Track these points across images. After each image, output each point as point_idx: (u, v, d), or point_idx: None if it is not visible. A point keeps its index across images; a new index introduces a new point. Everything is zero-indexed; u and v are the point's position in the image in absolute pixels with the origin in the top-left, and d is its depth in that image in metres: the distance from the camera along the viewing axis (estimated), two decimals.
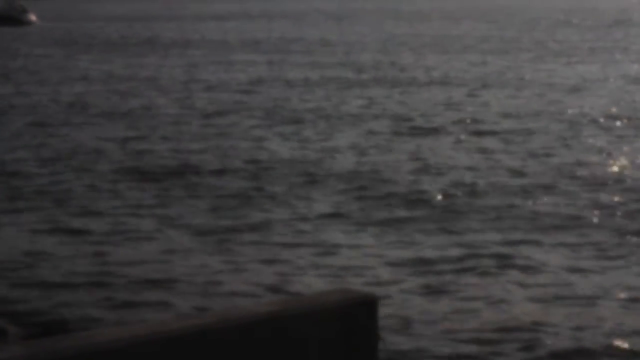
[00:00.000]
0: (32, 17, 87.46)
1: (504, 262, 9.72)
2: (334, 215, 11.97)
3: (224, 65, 36.05)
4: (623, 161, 15.55)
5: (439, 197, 12.76)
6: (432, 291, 8.85)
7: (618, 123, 19.89)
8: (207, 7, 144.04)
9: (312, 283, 9.15)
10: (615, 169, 14.88)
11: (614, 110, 21.91)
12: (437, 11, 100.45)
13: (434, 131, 18.82)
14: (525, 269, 9.53)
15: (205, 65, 36.83)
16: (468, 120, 19.98)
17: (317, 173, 14.76)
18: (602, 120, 20.24)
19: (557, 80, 29.19)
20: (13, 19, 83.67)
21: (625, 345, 7.74)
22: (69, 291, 9.00)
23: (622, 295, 8.77)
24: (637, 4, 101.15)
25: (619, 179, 14.14)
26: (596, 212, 11.96)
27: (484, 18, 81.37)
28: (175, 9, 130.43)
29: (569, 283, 9.12)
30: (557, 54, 40.70)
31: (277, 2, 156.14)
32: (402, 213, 11.94)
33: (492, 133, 18.32)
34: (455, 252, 10.10)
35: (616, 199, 12.77)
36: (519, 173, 14.45)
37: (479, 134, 18.26)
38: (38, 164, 15.45)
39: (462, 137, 17.89)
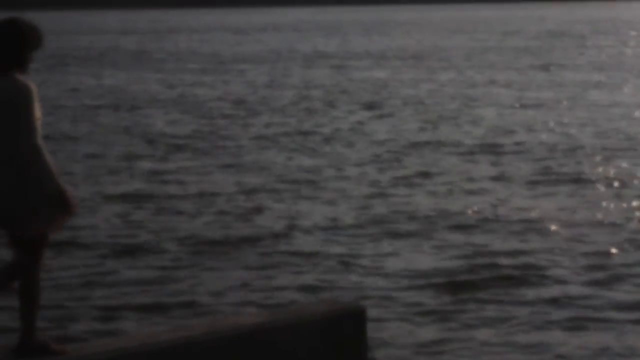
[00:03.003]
0: None
1: (508, 279, 9.79)
2: (332, 228, 12.18)
3: (217, 80, 36.21)
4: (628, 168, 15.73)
5: (438, 212, 12.96)
6: (431, 309, 8.98)
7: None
8: (198, 19, 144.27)
9: (304, 295, 9.34)
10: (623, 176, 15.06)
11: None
12: (423, 23, 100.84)
13: (432, 145, 19.04)
14: (534, 288, 9.54)
15: (199, 79, 37.05)
16: (468, 135, 20.16)
17: (318, 185, 15.00)
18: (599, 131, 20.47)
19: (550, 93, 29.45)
20: None
21: None
22: (65, 307, 9.19)
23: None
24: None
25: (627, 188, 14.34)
26: (607, 223, 12.17)
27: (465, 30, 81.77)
28: (163, 21, 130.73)
29: (582, 304, 9.10)
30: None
31: (268, 13, 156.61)
32: (402, 226, 12.14)
33: (496, 147, 18.53)
34: (457, 267, 10.24)
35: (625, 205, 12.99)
36: (520, 186, 14.63)
37: (484, 148, 18.46)
38: None
39: (463, 151, 18.09)
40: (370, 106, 26.17)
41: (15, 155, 5.79)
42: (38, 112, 5.85)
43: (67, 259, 10.90)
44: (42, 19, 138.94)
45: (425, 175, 15.64)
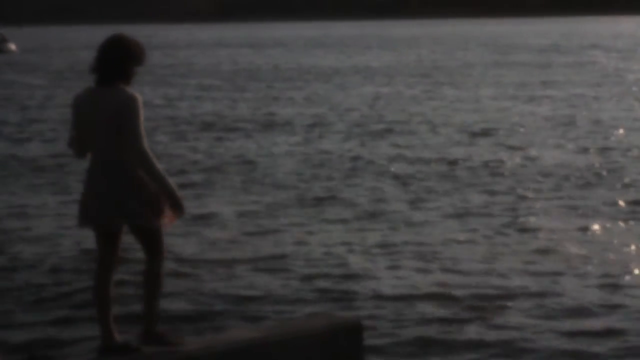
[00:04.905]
0: (12, 47, 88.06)
1: (511, 299, 9.84)
2: (331, 243, 12.31)
3: (219, 98, 36.25)
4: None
5: (443, 230, 13.04)
6: (429, 326, 9.06)
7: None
8: (195, 34, 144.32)
9: (301, 310, 9.46)
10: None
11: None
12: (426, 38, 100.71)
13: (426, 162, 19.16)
14: (533, 308, 9.56)
15: (203, 95, 37.15)
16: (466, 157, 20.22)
17: (322, 202, 15.15)
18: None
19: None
20: None
21: None
22: (60, 317, 9.33)
23: None
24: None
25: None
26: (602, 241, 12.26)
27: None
28: (159, 36, 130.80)
29: (583, 324, 9.09)
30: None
31: (264, 29, 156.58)
32: (403, 243, 12.24)
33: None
34: (457, 285, 10.32)
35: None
36: (528, 204, 14.67)
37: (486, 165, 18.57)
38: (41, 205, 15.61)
39: (469, 167, 18.19)
40: (378, 123, 26.22)
41: (122, 161, 6.37)
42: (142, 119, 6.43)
43: (66, 270, 11.07)
44: (41, 34, 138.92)
45: (433, 192, 15.73)
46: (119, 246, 6.67)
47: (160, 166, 6.49)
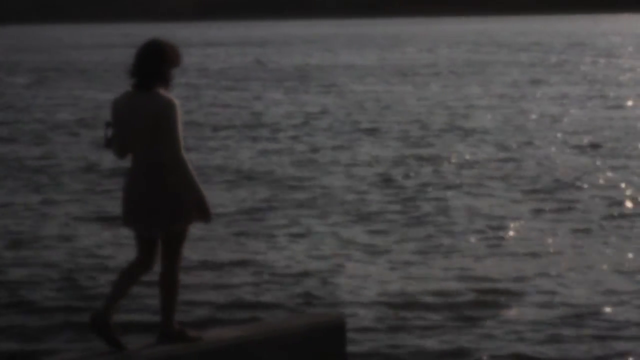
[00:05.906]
0: None
1: (496, 301, 9.86)
2: (315, 243, 12.37)
3: (207, 96, 36.19)
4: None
5: (429, 231, 13.09)
6: (412, 324, 9.11)
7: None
8: (174, 33, 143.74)
9: (285, 309, 9.51)
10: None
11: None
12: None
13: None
14: (520, 309, 9.54)
15: (189, 96, 37.16)
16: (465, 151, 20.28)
17: (313, 197, 15.20)
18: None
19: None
20: None
21: None
22: (35, 325, 9.35)
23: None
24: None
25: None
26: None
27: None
28: (142, 35, 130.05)
29: (576, 323, 9.16)
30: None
31: (258, 28, 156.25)
32: (389, 245, 12.29)
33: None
34: (442, 286, 10.36)
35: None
36: (513, 205, 14.73)
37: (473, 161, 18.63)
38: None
39: (457, 168, 18.25)
40: (365, 121, 26.21)
41: (159, 164, 6.51)
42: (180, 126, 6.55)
43: (53, 274, 11.10)
44: (23, 33, 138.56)
45: (422, 192, 15.77)
46: (157, 251, 6.76)
47: (194, 172, 6.63)
